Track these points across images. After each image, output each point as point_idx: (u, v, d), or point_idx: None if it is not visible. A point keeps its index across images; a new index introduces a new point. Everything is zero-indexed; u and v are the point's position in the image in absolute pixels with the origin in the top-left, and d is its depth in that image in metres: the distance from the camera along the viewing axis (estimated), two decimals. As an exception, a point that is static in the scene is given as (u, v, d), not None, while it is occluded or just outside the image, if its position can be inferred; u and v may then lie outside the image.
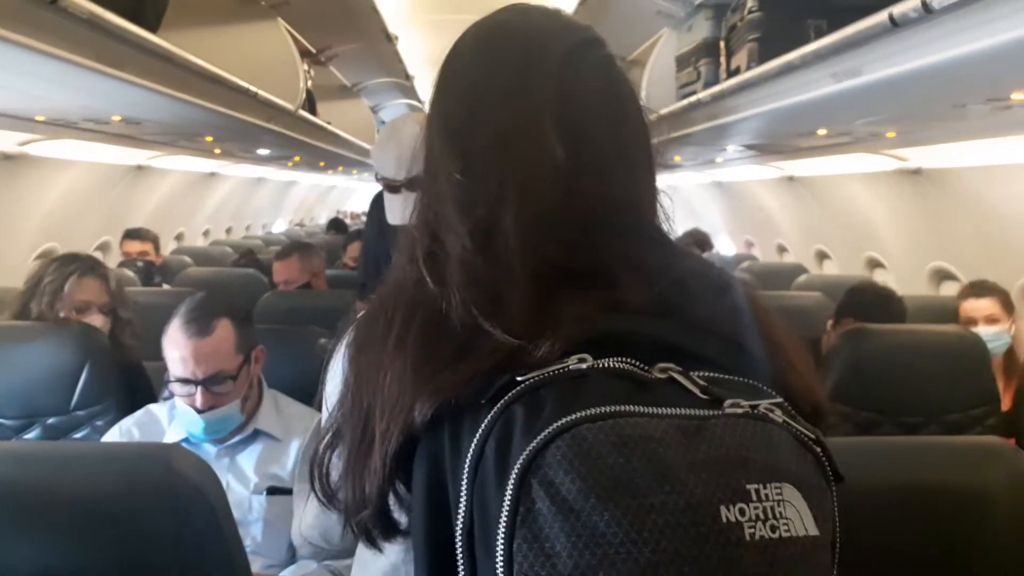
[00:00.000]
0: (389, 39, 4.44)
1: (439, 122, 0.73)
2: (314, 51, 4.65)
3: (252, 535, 1.86)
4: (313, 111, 4.52)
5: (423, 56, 6.60)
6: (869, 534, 1.05)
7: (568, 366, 0.60)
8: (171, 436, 1.91)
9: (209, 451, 1.90)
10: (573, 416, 0.56)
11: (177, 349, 1.82)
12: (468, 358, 0.62)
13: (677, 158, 4.52)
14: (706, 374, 0.61)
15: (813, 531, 0.57)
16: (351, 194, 16.40)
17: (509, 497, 0.55)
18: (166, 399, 2.07)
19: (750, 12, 2.37)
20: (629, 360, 0.60)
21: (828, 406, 0.70)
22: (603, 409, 0.56)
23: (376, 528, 0.68)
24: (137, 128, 2.94)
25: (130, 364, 2.41)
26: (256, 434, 1.94)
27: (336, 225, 8.59)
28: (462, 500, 0.59)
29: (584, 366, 0.60)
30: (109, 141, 3.65)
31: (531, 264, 0.64)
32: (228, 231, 8.82)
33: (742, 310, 0.68)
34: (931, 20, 1.28)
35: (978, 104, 1.88)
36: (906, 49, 1.44)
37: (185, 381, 1.82)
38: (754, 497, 0.55)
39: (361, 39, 4.54)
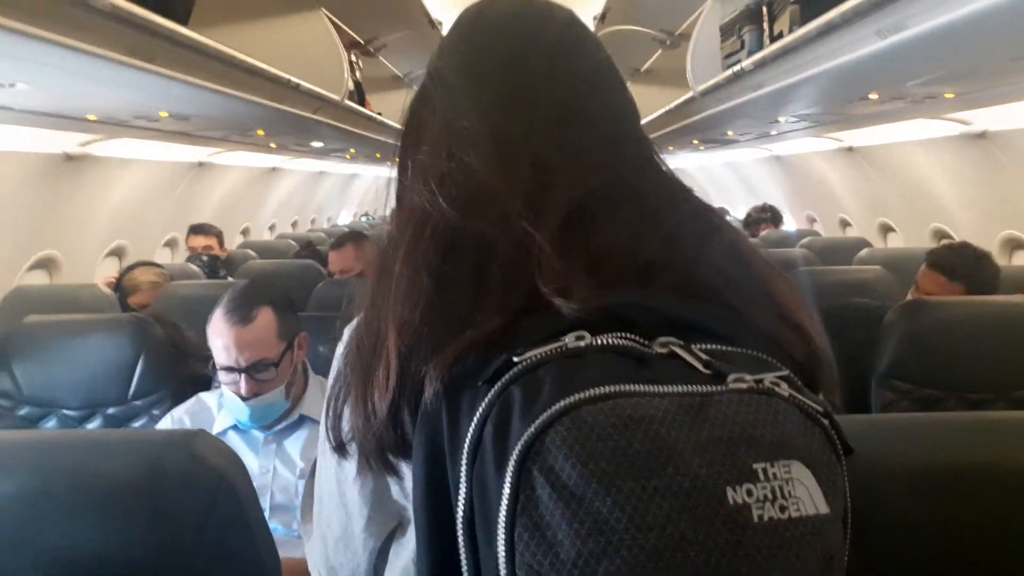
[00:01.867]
0: (433, 25, 4.43)
1: (457, 63, 0.76)
2: (362, 42, 4.67)
3: (299, 519, 1.89)
4: (363, 102, 4.54)
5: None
6: (921, 513, 0.99)
7: (566, 344, 0.58)
8: (220, 423, 1.96)
9: (257, 437, 1.94)
10: (572, 398, 0.54)
11: (220, 337, 1.86)
12: (479, 301, 0.62)
13: (729, 132, 4.40)
14: (708, 347, 0.59)
15: (824, 509, 0.55)
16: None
17: (509, 484, 0.54)
18: (217, 387, 2.12)
19: (791, -28, 2.27)
20: (628, 335, 0.59)
21: (822, 350, 0.67)
22: (603, 390, 0.54)
23: (389, 443, 0.65)
24: (187, 124, 3.01)
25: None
26: (302, 420, 1.97)
27: None
28: (461, 486, 0.57)
29: (582, 343, 0.58)
30: (166, 139, 3.76)
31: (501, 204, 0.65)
32: (293, 225, 9.01)
33: (735, 260, 0.66)
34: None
35: (1038, 57, 1.75)
36: (949, -2, 1.35)
37: (229, 369, 1.86)
38: (761, 477, 0.53)
39: (406, 27, 4.54)
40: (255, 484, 1.20)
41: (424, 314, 0.63)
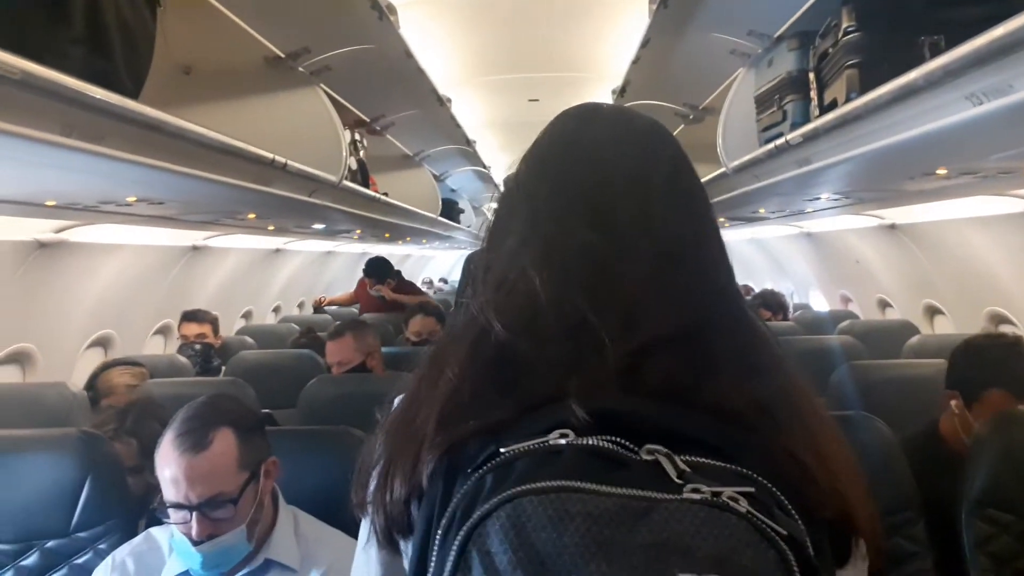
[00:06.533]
0: (441, 102, 4.23)
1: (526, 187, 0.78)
2: (367, 120, 4.49)
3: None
4: (365, 182, 4.31)
5: (480, 120, 6.40)
6: None
7: (548, 441, 0.61)
8: (171, 568, 1.66)
9: (210, 588, 1.60)
10: (521, 487, 0.57)
11: (168, 467, 1.58)
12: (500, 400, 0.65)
13: (761, 210, 4.09)
14: (696, 459, 0.60)
15: None
16: (427, 262, 16.53)
17: (451, 562, 0.57)
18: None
19: (846, 34, 1.98)
20: (614, 439, 0.60)
21: (864, 513, 0.65)
22: (551, 483, 0.57)
23: (398, 523, 0.69)
24: (164, 208, 2.75)
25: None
26: (268, 565, 1.67)
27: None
28: (431, 564, 0.60)
29: (563, 442, 0.60)
30: (151, 224, 3.51)
31: (565, 322, 0.67)
32: (300, 306, 8.78)
33: (785, 405, 0.66)
34: None
35: None
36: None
37: (178, 506, 1.56)
38: None
39: (413, 105, 4.35)
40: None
41: (461, 414, 0.66)
